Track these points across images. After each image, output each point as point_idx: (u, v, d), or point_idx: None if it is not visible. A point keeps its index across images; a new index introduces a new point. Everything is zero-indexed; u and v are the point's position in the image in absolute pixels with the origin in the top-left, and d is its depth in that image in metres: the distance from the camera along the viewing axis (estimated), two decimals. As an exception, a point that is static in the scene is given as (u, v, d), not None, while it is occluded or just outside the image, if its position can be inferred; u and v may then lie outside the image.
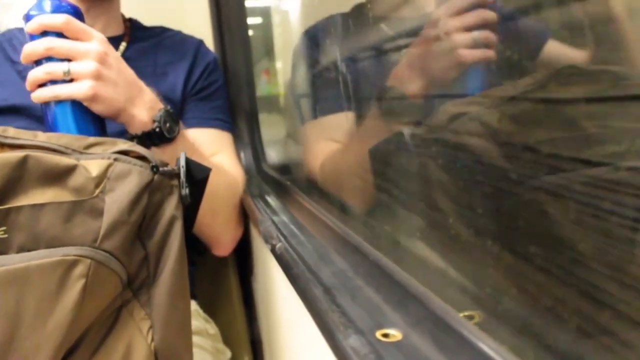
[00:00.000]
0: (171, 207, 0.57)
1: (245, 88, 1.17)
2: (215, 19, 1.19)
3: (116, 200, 0.54)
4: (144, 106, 0.70)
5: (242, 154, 1.10)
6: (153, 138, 0.70)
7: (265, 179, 1.02)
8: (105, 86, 0.66)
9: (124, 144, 0.58)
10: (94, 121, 0.68)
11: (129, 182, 0.55)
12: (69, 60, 0.64)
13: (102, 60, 0.66)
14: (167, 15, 1.18)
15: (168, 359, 0.55)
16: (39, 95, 0.64)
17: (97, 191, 0.54)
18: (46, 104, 0.66)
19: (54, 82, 0.65)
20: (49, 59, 0.65)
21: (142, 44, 0.82)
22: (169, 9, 1.21)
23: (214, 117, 0.86)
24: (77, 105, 0.66)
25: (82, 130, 0.66)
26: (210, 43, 1.19)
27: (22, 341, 0.49)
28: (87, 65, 0.64)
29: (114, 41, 0.79)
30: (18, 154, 0.54)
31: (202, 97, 0.86)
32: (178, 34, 0.92)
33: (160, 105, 0.72)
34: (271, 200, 0.87)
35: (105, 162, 0.55)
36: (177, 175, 0.58)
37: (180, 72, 0.89)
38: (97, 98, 0.65)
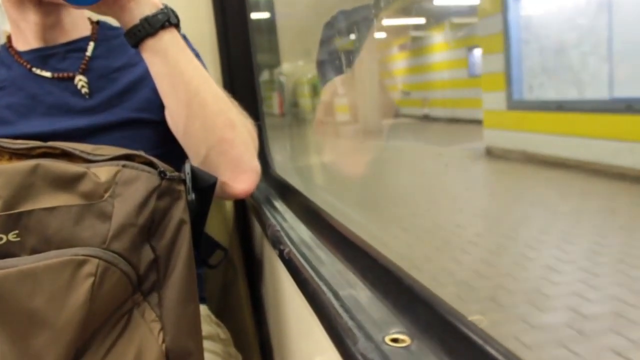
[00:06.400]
0: (179, 212, 0.58)
1: (250, 92, 1.17)
2: (220, 24, 1.19)
3: (124, 203, 0.55)
4: None
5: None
6: (164, 17, 0.66)
7: (273, 184, 1.02)
8: None
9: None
10: None
11: (137, 186, 0.56)
12: None
13: None
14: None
15: None
16: None
17: (106, 195, 0.55)
18: None
19: None
20: None
21: (109, 42, 0.82)
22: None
23: None
24: None
25: None
26: (214, 46, 1.19)
27: (34, 339, 0.51)
28: None
29: (82, 42, 0.79)
30: (29, 162, 0.55)
31: None
32: None
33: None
34: (279, 205, 0.87)
35: (113, 169, 0.56)
36: (184, 182, 0.59)
37: None
38: None
